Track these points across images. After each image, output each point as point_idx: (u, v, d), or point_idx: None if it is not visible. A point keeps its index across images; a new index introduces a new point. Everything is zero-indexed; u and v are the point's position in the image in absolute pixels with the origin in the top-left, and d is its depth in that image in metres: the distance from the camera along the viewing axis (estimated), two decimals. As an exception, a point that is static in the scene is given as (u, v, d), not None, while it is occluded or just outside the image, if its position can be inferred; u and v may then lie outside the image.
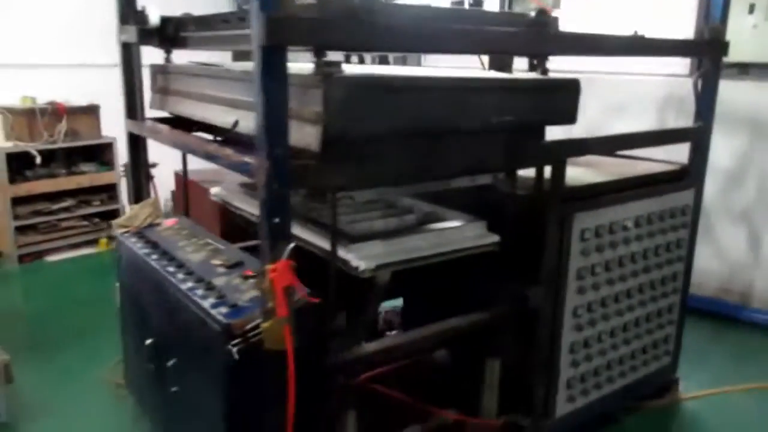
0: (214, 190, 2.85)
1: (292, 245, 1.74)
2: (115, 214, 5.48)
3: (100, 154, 5.46)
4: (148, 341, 2.39)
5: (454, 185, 2.22)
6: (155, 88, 2.75)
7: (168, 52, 2.73)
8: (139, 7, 2.62)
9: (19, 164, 4.97)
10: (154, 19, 2.61)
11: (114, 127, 5.36)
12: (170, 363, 2.21)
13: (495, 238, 2.31)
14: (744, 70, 4.06)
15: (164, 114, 2.79)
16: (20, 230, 4.99)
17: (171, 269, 2.25)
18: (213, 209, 3.59)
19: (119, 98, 5.02)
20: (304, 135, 1.72)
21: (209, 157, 2.04)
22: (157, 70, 2.74)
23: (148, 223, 2.72)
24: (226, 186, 2.85)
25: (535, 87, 2.10)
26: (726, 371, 3.52)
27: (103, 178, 5.42)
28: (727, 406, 3.20)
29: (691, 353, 3.35)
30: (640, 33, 2.54)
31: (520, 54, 2.25)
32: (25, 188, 4.97)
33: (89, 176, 5.36)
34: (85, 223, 5.38)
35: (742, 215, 4.19)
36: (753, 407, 3.20)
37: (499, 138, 2.12)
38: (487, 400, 2.48)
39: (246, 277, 2.10)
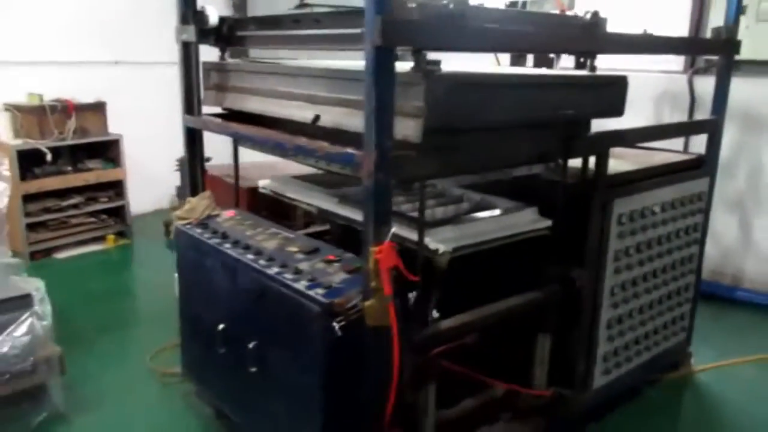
0: (264, 183, 2.98)
1: (393, 229, 1.90)
2: (120, 211, 5.52)
3: (105, 150, 5.48)
4: (221, 326, 2.51)
5: (516, 174, 2.41)
6: (209, 85, 2.85)
7: (223, 50, 2.84)
8: (198, 8, 2.72)
9: (28, 162, 4.96)
10: (213, 19, 2.72)
11: (117, 123, 5.42)
12: (251, 345, 2.34)
13: (548, 222, 2.51)
14: (736, 66, 4.36)
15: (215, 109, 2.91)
16: (31, 227, 4.98)
17: (250, 256, 2.37)
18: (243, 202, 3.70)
19: (120, 95, 5.14)
20: (404, 128, 1.88)
21: (300, 150, 2.17)
22: (212, 68, 2.85)
23: (207, 215, 2.83)
24: (276, 179, 2.98)
25: (592, 83, 2.31)
26: (729, 345, 3.80)
27: (109, 174, 5.44)
28: (736, 375, 3.49)
29: (696, 330, 3.63)
30: (648, 32, 2.75)
31: (577, 52, 2.45)
32: (36, 185, 4.97)
33: (96, 173, 5.37)
34: (93, 219, 5.39)
35: (734, 204, 4.50)
36: (759, 376, 3.49)
37: (559, 130, 2.31)
38: (538, 372, 2.68)
39: (329, 262, 2.24)
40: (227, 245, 2.50)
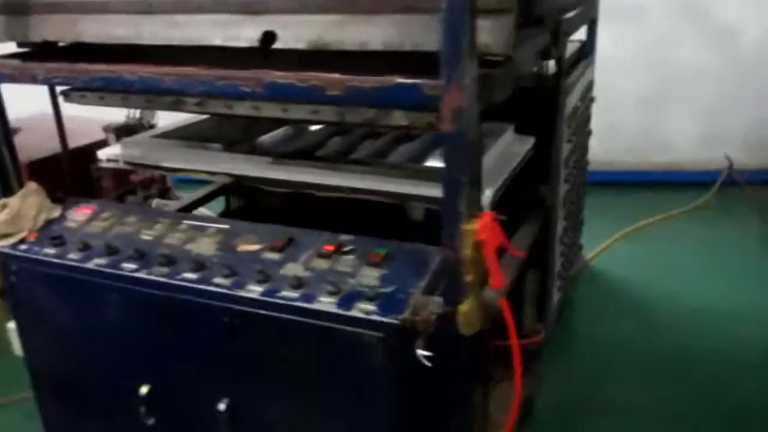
0: (111, 153, 1.98)
1: (492, 191, 1.27)
2: None
3: None
4: (144, 389, 1.60)
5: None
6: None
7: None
8: None
9: None
10: None
11: None
12: (221, 406, 1.51)
13: (532, 140, 2.07)
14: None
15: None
16: None
17: (191, 276, 1.48)
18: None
19: None
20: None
21: (289, 90, 1.29)
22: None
23: (44, 222, 1.76)
24: (130, 144, 1.99)
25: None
26: (599, 228, 3.85)
27: None
28: (616, 254, 3.58)
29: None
30: None
31: None
32: None
33: None
34: None
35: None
36: (630, 248, 3.64)
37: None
38: (529, 312, 2.31)
39: (329, 255, 1.49)
40: (130, 265, 1.55)
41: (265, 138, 2.03)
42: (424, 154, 1.92)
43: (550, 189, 2.29)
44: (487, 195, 1.43)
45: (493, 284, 1.26)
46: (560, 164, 2.30)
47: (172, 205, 2.63)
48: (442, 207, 1.24)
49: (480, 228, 1.21)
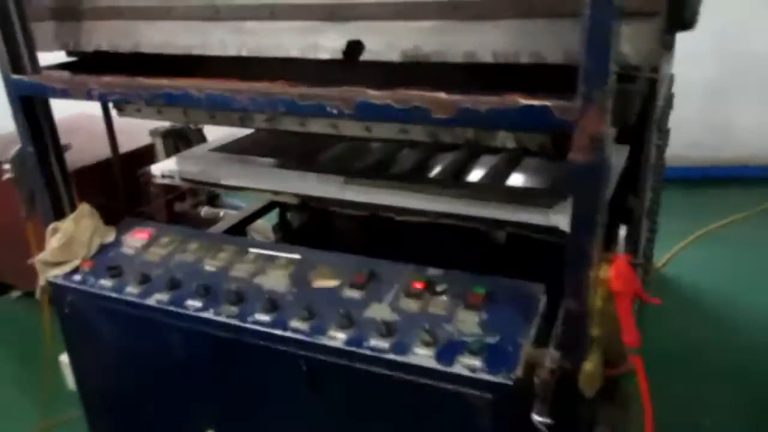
0: (166, 168, 1.82)
1: (626, 228, 1.08)
2: None
3: None
4: (210, 434, 1.46)
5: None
6: (42, 13, 1.53)
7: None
8: None
9: None
10: None
11: None
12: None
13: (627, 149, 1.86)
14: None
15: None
16: None
17: (264, 318, 1.32)
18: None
19: None
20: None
21: (399, 113, 1.10)
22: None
23: (98, 247, 1.61)
24: (186, 158, 1.84)
25: None
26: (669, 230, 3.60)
27: None
28: (691, 256, 3.33)
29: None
30: None
31: None
32: None
33: None
34: None
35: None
36: (709, 249, 3.38)
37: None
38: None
39: (417, 295, 1.31)
40: (195, 303, 1.39)
41: (332, 150, 1.85)
42: (509, 169, 1.72)
43: (639, 200, 2.08)
44: (622, 234, 1.23)
45: (628, 341, 1.07)
46: (649, 172, 2.09)
47: (224, 217, 2.48)
48: (567, 249, 1.04)
49: (614, 275, 1.02)
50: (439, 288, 1.31)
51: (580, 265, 1.03)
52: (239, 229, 2.13)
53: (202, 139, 2.70)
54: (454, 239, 1.69)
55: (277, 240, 2.33)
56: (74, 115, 2.86)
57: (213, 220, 2.49)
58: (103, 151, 2.34)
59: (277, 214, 2.38)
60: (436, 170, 1.74)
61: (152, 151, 2.71)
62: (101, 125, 2.10)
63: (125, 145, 2.53)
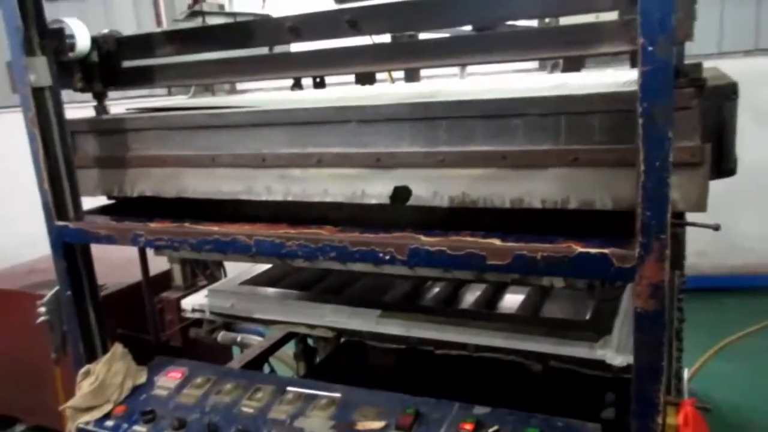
0: (197, 303, 1.82)
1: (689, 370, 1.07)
2: None
3: None
4: None
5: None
6: (85, 160, 1.59)
7: (100, 96, 1.61)
8: (52, 23, 1.45)
9: None
10: (83, 42, 1.49)
11: None
12: None
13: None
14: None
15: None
16: None
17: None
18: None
19: None
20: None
21: (453, 260, 1.11)
22: (90, 127, 1.59)
23: (131, 389, 1.58)
24: (218, 293, 1.84)
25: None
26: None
27: None
28: (715, 370, 3.26)
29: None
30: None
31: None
32: None
33: None
34: None
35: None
36: (733, 362, 3.32)
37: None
38: None
39: (470, 438, 1.28)
40: (234, 449, 1.35)
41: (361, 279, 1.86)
42: (542, 298, 1.73)
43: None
44: (686, 377, 1.23)
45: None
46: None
47: (241, 342, 2.44)
48: (633, 396, 1.03)
49: (682, 423, 1.00)
50: (490, 430, 1.27)
51: (647, 413, 1.02)
52: (261, 360, 2.09)
53: (220, 264, 2.70)
54: (485, 369, 1.66)
55: (299, 367, 2.29)
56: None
57: (230, 345, 2.45)
58: (122, 279, 2.32)
59: (297, 340, 2.34)
60: (468, 299, 1.74)
61: (168, 277, 2.71)
62: (113, 249, 2.09)
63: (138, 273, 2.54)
